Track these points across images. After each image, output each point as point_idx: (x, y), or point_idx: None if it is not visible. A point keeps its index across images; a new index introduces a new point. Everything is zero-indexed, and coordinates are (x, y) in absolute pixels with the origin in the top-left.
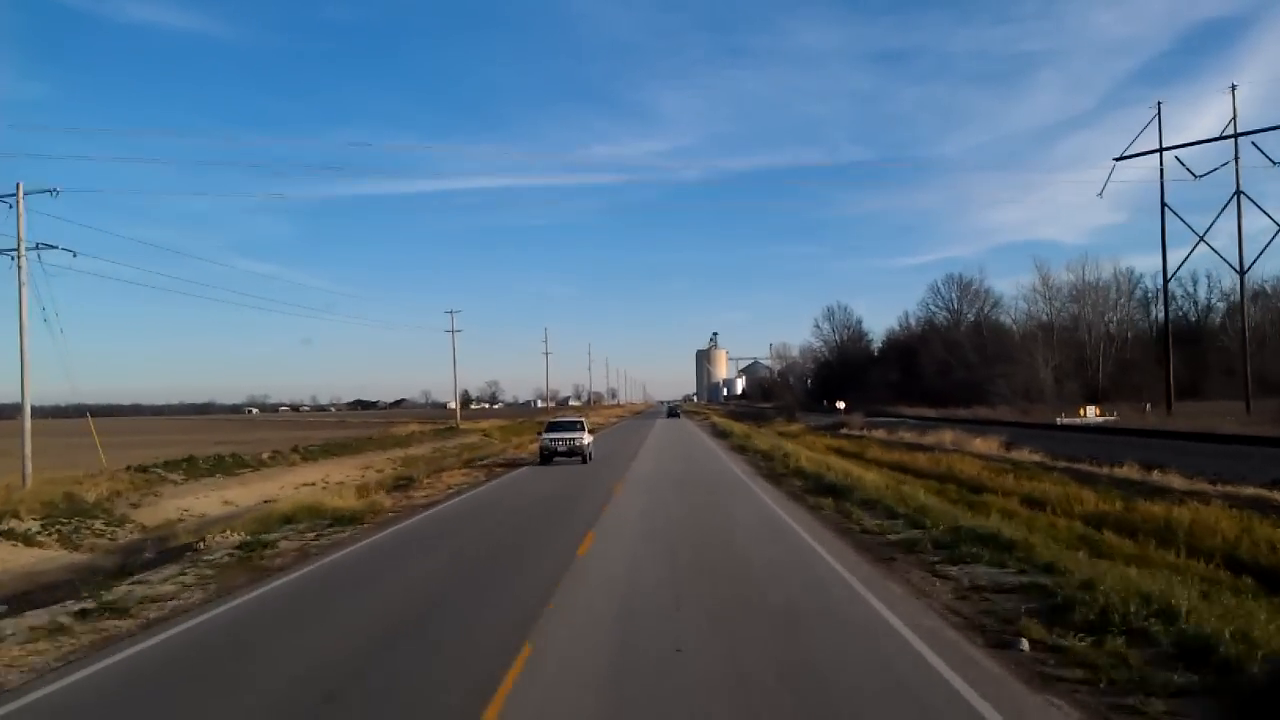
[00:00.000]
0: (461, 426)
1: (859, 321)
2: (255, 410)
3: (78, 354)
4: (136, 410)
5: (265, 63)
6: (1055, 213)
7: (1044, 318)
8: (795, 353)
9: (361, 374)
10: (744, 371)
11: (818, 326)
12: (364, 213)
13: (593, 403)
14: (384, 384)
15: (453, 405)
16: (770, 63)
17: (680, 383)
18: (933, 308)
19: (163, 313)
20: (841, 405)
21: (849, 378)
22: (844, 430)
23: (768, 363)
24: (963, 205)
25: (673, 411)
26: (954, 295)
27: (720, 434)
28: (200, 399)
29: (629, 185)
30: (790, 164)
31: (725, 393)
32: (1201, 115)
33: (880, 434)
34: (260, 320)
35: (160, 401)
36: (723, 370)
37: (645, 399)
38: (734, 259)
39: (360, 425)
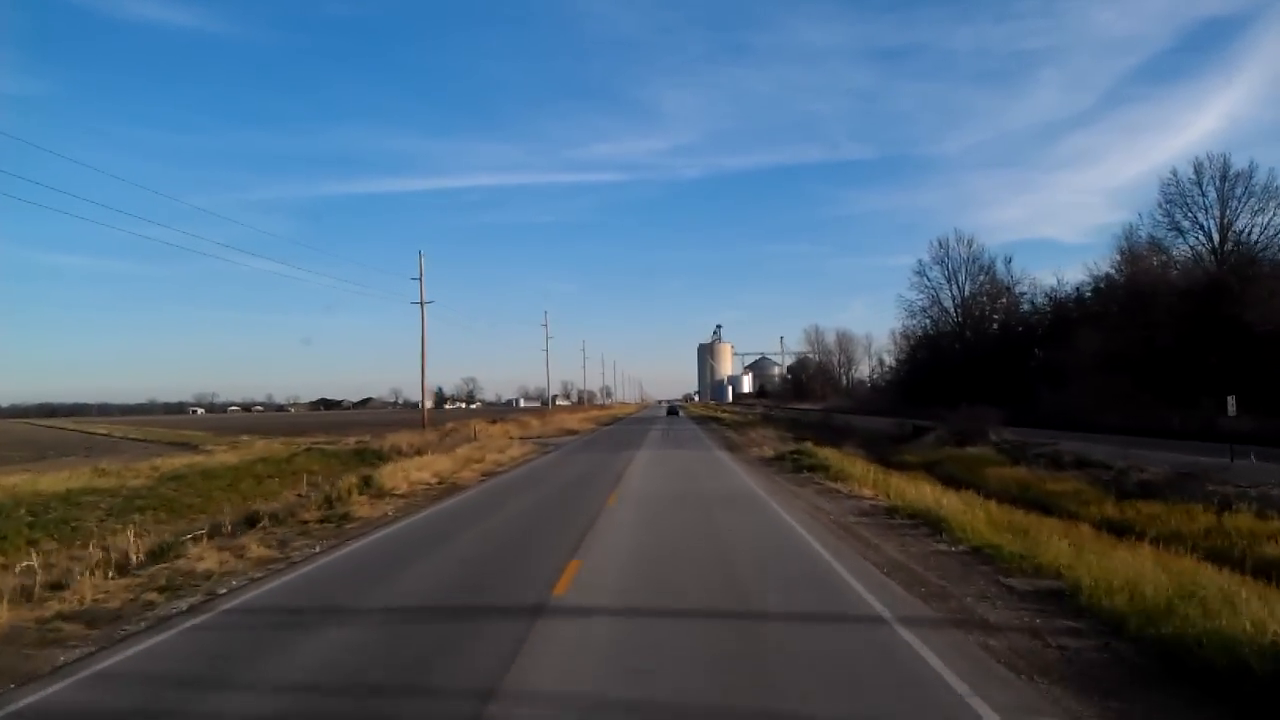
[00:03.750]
0: None
1: (1004, 262)
2: (200, 410)
3: (45, 351)
4: (104, 410)
5: (264, 60)
6: (1056, 211)
7: None
8: (831, 338)
9: (327, 372)
10: (750, 368)
11: (920, 274)
12: (361, 210)
13: (585, 400)
14: (351, 382)
15: (429, 405)
16: (771, 60)
17: (678, 382)
18: (1180, 219)
19: (140, 311)
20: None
21: (987, 361)
22: None
23: (776, 358)
24: (963, 203)
25: (673, 410)
26: (1211, 192)
27: None
28: (174, 397)
29: (629, 183)
30: (790, 162)
31: (731, 391)
32: (1203, 113)
33: None
34: (254, 320)
35: (133, 401)
36: (728, 366)
37: (642, 397)
38: (733, 257)
39: None
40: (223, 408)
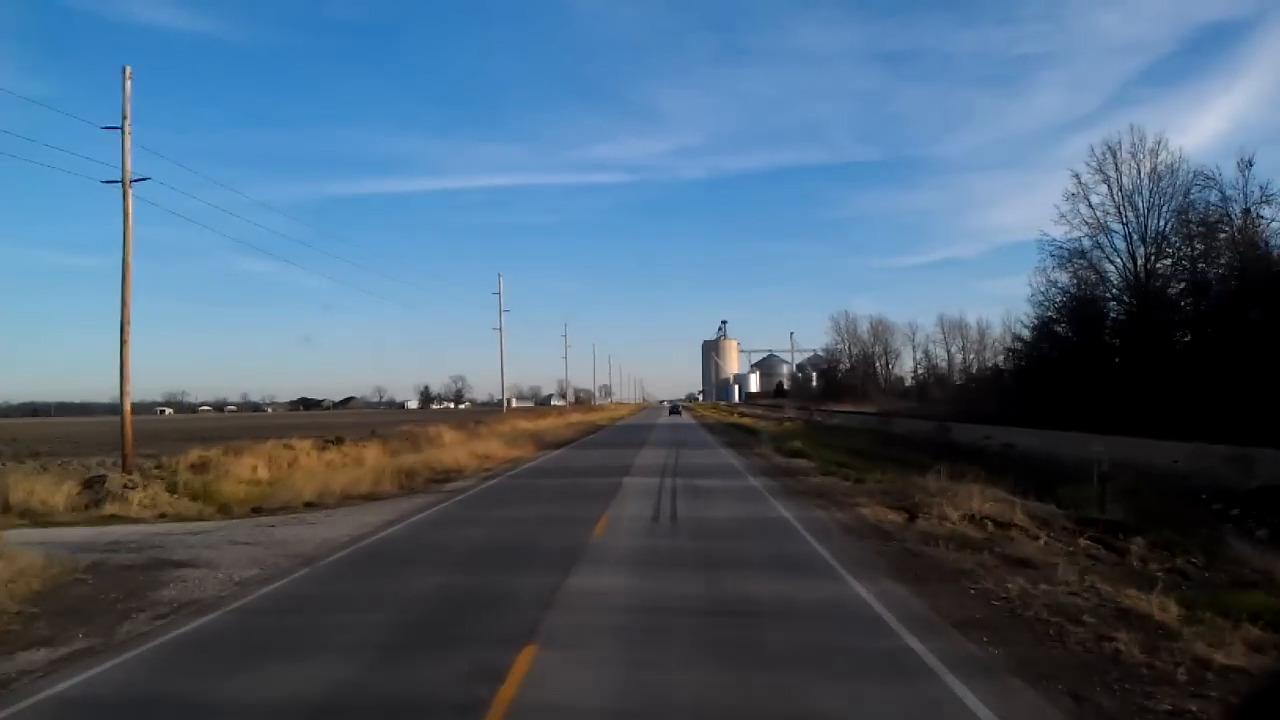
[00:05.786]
0: None
1: (1241, 166)
2: (169, 410)
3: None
4: (87, 409)
5: (268, 61)
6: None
7: None
8: (865, 326)
9: (306, 370)
10: (757, 366)
11: (1076, 199)
12: (365, 210)
13: (570, 401)
14: (331, 381)
15: (413, 405)
16: (774, 62)
17: (681, 382)
18: None
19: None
20: None
21: (1183, 334)
22: None
23: (785, 355)
24: (964, 205)
25: (675, 409)
26: None
27: None
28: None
29: (632, 184)
30: (793, 163)
31: (738, 390)
32: (1205, 116)
33: None
34: (250, 318)
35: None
36: (734, 364)
37: (643, 397)
38: (736, 258)
39: None
40: (193, 407)
